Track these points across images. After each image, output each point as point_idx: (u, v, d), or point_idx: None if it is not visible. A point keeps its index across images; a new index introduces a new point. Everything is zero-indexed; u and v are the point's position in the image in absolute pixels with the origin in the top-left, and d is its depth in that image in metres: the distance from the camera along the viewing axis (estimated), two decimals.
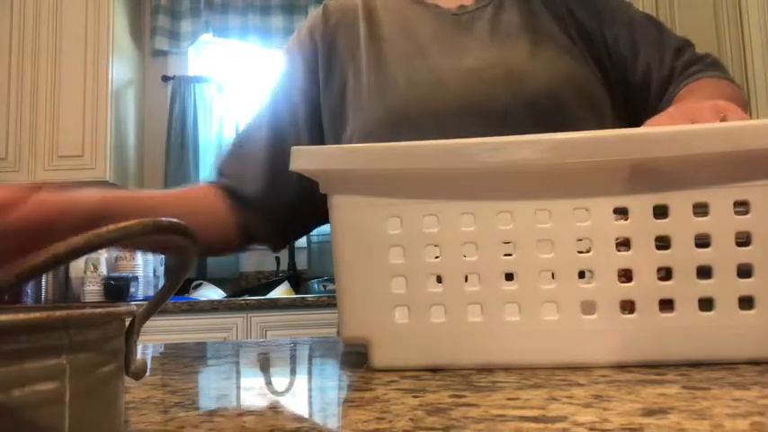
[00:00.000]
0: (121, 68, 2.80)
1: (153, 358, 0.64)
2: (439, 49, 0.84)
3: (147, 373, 0.47)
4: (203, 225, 0.79)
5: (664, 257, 0.46)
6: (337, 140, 0.85)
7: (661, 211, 0.46)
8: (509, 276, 0.47)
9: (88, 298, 2.39)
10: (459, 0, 0.89)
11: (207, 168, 2.88)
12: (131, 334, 0.26)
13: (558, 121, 0.77)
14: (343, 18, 0.91)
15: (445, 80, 0.81)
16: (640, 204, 0.46)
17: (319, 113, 0.87)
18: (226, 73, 3.05)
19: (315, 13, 0.94)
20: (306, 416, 0.33)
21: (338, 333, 1.04)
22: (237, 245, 0.85)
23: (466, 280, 0.47)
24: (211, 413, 0.35)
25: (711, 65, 0.85)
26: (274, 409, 0.36)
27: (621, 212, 0.47)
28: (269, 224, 0.84)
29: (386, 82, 0.83)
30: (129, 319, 0.26)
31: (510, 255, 0.47)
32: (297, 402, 0.38)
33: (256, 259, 2.86)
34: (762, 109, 2.41)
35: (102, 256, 2.42)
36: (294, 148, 0.48)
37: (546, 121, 0.75)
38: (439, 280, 0.48)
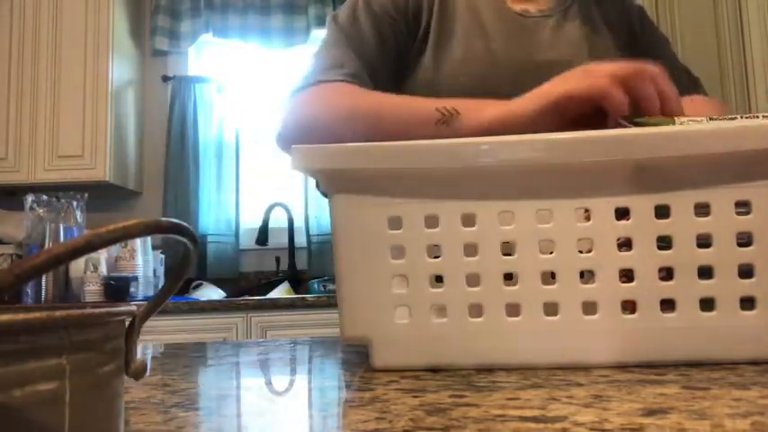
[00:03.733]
0: (121, 68, 2.80)
1: (153, 358, 0.64)
2: (501, 36, 0.87)
3: (147, 373, 0.47)
4: None
5: (665, 257, 0.46)
6: (399, 83, 0.86)
7: (662, 212, 0.46)
8: (510, 276, 0.47)
9: (88, 298, 2.39)
10: (524, 5, 0.91)
11: (207, 168, 2.88)
12: (131, 334, 0.26)
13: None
14: None
15: (502, 65, 0.84)
16: (642, 204, 0.46)
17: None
18: (226, 73, 3.05)
19: None
20: (306, 416, 0.33)
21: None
22: None
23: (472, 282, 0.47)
24: (211, 413, 0.35)
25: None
26: (274, 409, 0.36)
27: (621, 213, 0.47)
28: None
29: (445, 50, 0.85)
30: (129, 319, 0.26)
31: (509, 255, 0.47)
32: (297, 402, 0.38)
33: (256, 259, 2.86)
34: (762, 109, 2.41)
35: (102, 256, 2.42)
36: (294, 147, 0.48)
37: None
38: (439, 280, 0.48)
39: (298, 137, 0.81)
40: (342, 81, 0.81)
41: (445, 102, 0.73)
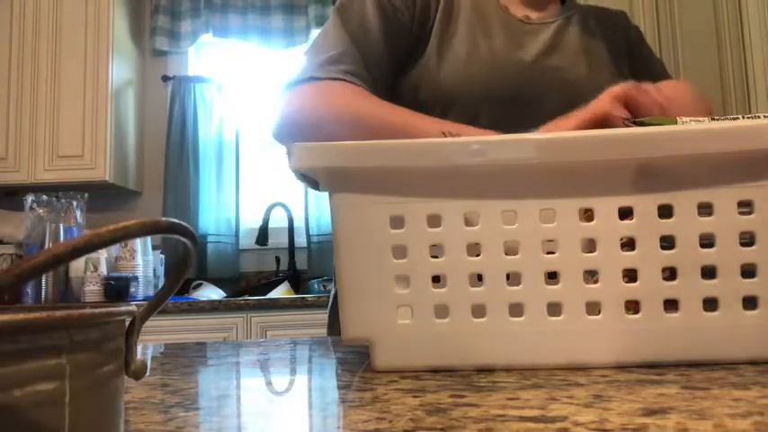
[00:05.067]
0: (121, 68, 2.80)
1: (153, 358, 0.64)
2: (504, 39, 0.88)
3: (147, 373, 0.47)
4: None
5: (668, 257, 0.46)
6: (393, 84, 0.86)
7: (665, 212, 0.46)
8: (511, 276, 0.47)
9: (88, 298, 2.39)
10: (525, 11, 0.93)
11: (207, 168, 2.88)
12: (131, 334, 0.26)
13: None
14: None
15: (504, 68, 0.85)
16: (645, 204, 0.46)
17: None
18: (226, 73, 3.04)
19: None
20: (306, 416, 0.33)
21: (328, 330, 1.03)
22: None
23: (475, 280, 0.47)
24: (211, 413, 0.35)
25: None
26: (274, 409, 0.36)
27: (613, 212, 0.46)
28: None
29: (449, 48, 0.85)
30: (129, 319, 0.26)
31: (508, 255, 0.47)
32: (297, 402, 0.38)
33: (256, 259, 2.86)
34: (762, 109, 2.41)
35: (102, 256, 2.42)
36: (294, 146, 0.48)
37: None
38: (436, 280, 0.48)
39: (297, 133, 0.80)
40: (342, 80, 0.81)
41: (450, 126, 0.74)
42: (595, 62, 0.90)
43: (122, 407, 0.26)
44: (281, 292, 2.51)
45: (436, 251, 0.48)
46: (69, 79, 2.68)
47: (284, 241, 2.79)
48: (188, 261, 0.27)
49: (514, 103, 0.83)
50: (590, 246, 0.46)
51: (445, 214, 0.47)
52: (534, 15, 0.93)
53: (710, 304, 0.45)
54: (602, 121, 0.65)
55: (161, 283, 2.54)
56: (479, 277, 0.47)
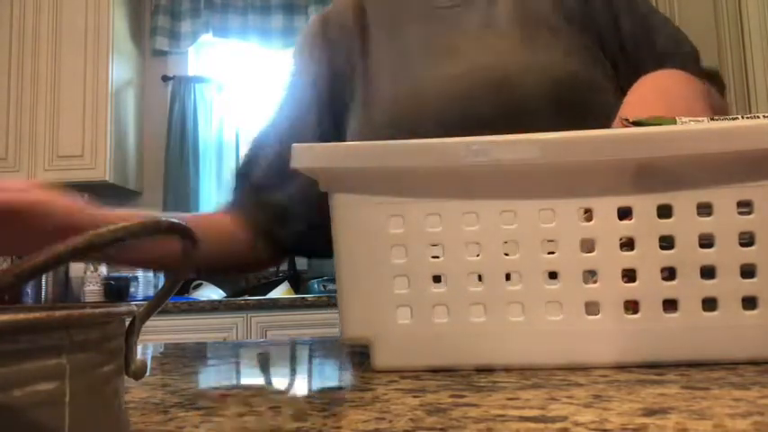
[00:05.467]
0: (121, 68, 2.80)
1: (153, 358, 0.64)
2: (424, 53, 0.80)
3: (147, 373, 0.47)
4: (223, 243, 0.78)
5: (667, 257, 0.46)
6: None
7: (664, 212, 0.46)
8: (511, 276, 0.47)
9: (88, 298, 2.39)
10: None
11: (207, 168, 2.88)
12: (131, 334, 0.26)
13: (545, 130, 0.73)
14: (340, 30, 0.89)
15: (424, 91, 0.78)
16: (644, 204, 0.46)
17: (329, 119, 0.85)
18: (226, 73, 3.05)
19: (313, 25, 0.92)
20: (306, 416, 0.33)
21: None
22: (266, 260, 0.84)
23: (479, 280, 0.47)
24: (211, 413, 0.35)
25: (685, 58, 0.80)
26: (274, 409, 0.36)
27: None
28: (300, 229, 0.81)
29: (372, 97, 0.81)
30: (129, 319, 0.26)
31: (507, 254, 0.47)
32: (297, 402, 0.38)
33: None
34: (762, 109, 2.41)
35: None
36: (294, 146, 0.48)
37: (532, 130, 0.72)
38: (437, 279, 0.48)
39: None
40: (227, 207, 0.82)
41: None
42: (533, 31, 0.78)
43: (122, 407, 0.26)
44: (281, 292, 2.51)
45: (436, 251, 0.48)
46: (69, 79, 2.68)
47: None
48: (188, 261, 0.27)
49: (441, 124, 0.75)
50: (589, 246, 0.46)
51: (445, 214, 0.47)
52: None
53: (710, 304, 0.45)
54: None
55: (161, 283, 2.54)
56: (479, 277, 0.47)
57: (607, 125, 0.74)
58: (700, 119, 0.50)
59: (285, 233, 0.80)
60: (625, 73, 0.79)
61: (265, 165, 0.83)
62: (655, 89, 0.70)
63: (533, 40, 0.77)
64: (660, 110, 0.63)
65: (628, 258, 0.46)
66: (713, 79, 0.80)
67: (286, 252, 0.85)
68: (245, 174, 0.85)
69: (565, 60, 0.76)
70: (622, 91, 0.76)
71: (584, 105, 0.75)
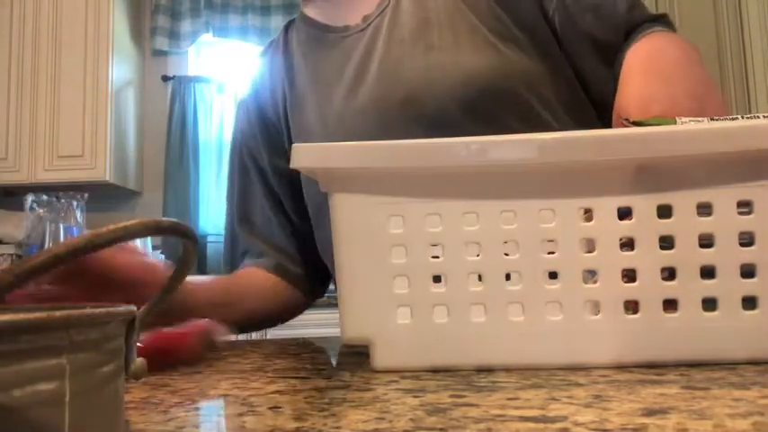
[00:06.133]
0: (121, 68, 2.80)
1: None
2: (343, 86, 0.80)
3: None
4: (267, 294, 0.84)
5: (667, 257, 0.46)
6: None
7: (664, 212, 0.46)
8: (511, 275, 0.47)
9: None
10: (363, 11, 0.82)
11: (207, 168, 2.88)
12: (131, 334, 0.26)
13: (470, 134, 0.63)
14: (271, 64, 0.91)
15: (347, 123, 0.78)
16: (644, 204, 0.46)
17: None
18: (226, 73, 3.05)
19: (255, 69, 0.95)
20: (306, 416, 0.33)
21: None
22: (302, 303, 0.91)
23: (479, 279, 0.47)
24: (211, 413, 0.35)
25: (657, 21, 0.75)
26: (274, 409, 0.36)
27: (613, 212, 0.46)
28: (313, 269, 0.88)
29: (304, 129, 0.83)
30: (129, 319, 0.26)
31: (507, 254, 0.47)
32: (297, 402, 0.38)
33: None
34: (762, 109, 2.41)
35: None
36: (294, 146, 0.48)
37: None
38: (439, 279, 0.48)
39: None
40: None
41: None
42: (436, 37, 0.74)
43: (122, 407, 0.26)
44: None
45: (436, 251, 0.48)
46: (69, 79, 2.68)
47: None
48: (188, 261, 0.27)
49: None
50: (589, 245, 0.46)
51: (445, 214, 0.47)
52: (370, 10, 0.81)
53: (710, 304, 0.45)
54: None
55: None
56: (479, 277, 0.47)
57: (532, 119, 0.71)
58: (699, 119, 0.50)
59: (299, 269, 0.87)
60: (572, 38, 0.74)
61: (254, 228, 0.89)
62: (652, 66, 0.68)
63: (437, 50, 0.74)
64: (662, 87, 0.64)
65: (628, 258, 0.46)
66: (666, 22, 0.76)
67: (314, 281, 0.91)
68: (236, 242, 0.90)
69: (469, 61, 0.73)
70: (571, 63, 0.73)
71: (502, 100, 0.71)
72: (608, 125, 0.70)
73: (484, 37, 0.73)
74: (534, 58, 0.74)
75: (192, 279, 0.79)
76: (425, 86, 0.73)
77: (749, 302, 0.45)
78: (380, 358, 0.48)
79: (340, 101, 0.79)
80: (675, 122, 0.51)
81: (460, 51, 0.73)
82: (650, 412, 0.31)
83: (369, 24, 0.81)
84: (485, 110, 0.71)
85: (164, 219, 0.24)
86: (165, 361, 0.52)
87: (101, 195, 2.74)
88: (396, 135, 0.55)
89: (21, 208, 2.52)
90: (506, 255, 0.47)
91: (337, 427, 0.30)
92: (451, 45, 0.74)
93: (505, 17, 0.74)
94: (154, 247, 2.56)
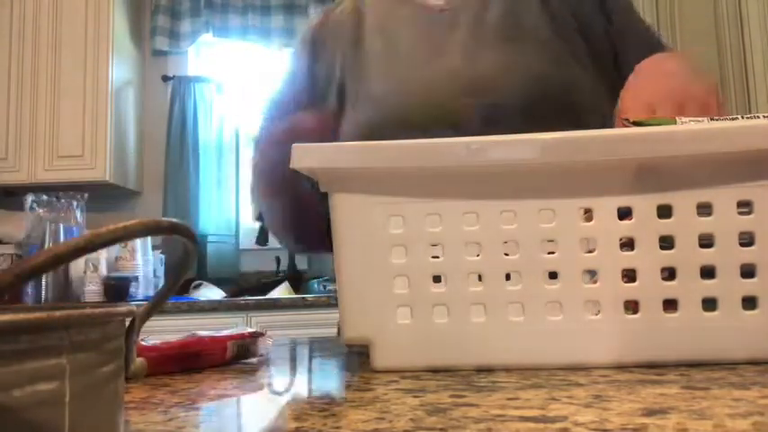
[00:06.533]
0: (121, 68, 2.80)
1: None
2: (414, 54, 0.83)
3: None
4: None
5: (667, 257, 0.46)
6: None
7: (664, 212, 0.46)
8: (510, 276, 0.47)
9: (88, 298, 2.39)
10: None
11: (207, 168, 2.88)
12: (131, 334, 0.26)
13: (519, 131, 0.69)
14: (333, 38, 0.91)
15: (411, 91, 0.80)
16: (644, 204, 0.46)
17: None
18: (226, 73, 3.05)
19: (304, 32, 0.96)
20: (306, 416, 0.33)
21: (338, 333, 1.03)
22: None
23: (479, 280, 0.47)
24: (211, 413, 0.35)
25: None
26: (274, 409, 0.36)
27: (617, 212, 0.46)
28: None
29: (363, 96, 0.84)
30: (129, 319, 0.26)
31: (507, 254, 0.47)
32: (297, 402, 0.38)
33: (256, 259, 2.86)
34: (762, 109, 2.41)
35: (102, 256, 2.42)
36: (294, 146, 0.48)
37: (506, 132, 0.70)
38: (439, 279, 0.48)
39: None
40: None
41: None
42: (520, 35, 0.80)
43: (122, 407, 0.26)
44: (280, 292, 2.51)
45: (436, 251, 0.48)
46: (69, 79, 2.68)
47: None
48: (188, 261, 0.27)
49: (425, 125, 0.75)
50: (589, 245, 0.46)
51: (445, 214, 0.47)
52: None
53: (710, 304, 0.45)
54: None
55: (161, 283, 2.54)
56: (479, 277, 0.47)
57: (582, 126, 0.75)
58: (699, 119, 0.50)
59: None
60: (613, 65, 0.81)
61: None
62: (657, 71, 0.71)
63: (515, 48, 0.80)
64: (664, 86, 0.66)
65: (628, 258, 0.46)
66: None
67: None
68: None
69: (540, 66, 0.78)
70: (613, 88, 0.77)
71: (560, 107, 0.76)
72: None
73: (564, 50, 0.80)
74: (597, 80, 0.80)
75: None
76: (497, 77, 0.77)
77: (749, 302, 0.45)
78: (380, 358, 0.48)
79: (409, 72, 0.82)
80: (675, 122, 0.51)
81: (535, 56, 0.78)
82: (650, 412, 0.31)
83: (448, 9, 0.85)
84: (542, 116, 0.75)
85: (164, 219, 0.24)
86: (195, 366, 0.53)
87: (101, 195, 2.74)
88: (449, 116, 0.65)
89: (21, 208, 2.52)
90: (506, 255, 0.47)
91: (337, 427, 0.30)
92: (529, 49, 0.79)
93: (581, 42, 0.81)
94: (154, 247, 2.56)
